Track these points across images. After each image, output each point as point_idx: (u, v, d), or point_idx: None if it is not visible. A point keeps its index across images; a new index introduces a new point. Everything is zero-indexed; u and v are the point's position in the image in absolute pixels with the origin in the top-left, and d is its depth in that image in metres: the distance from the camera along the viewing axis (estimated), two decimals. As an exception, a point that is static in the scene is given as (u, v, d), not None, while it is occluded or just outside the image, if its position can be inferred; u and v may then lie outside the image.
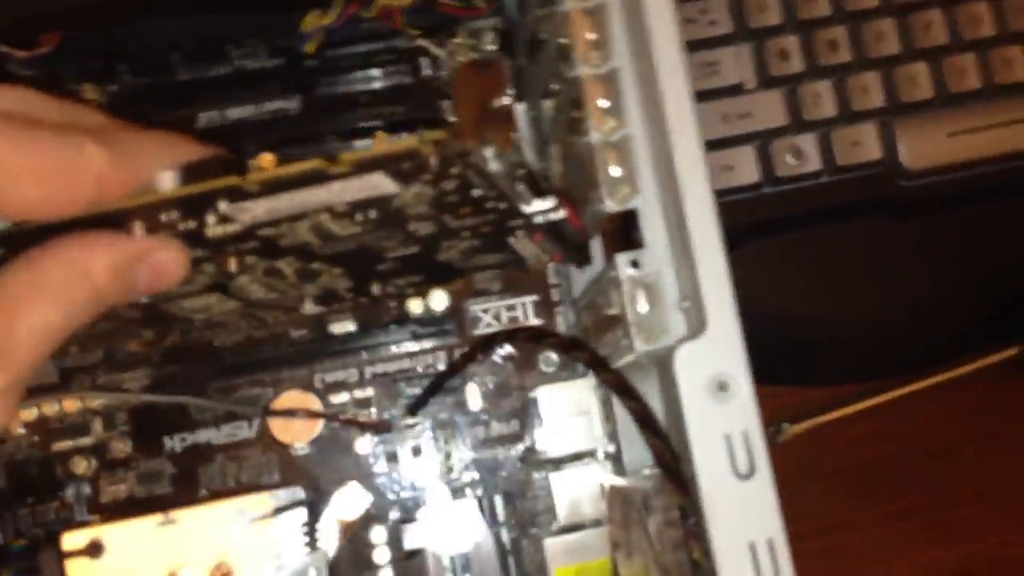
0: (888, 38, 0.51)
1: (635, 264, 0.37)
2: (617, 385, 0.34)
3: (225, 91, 0.49)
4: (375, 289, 0.41)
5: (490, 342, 0.42)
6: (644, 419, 0.32)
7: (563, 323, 0.48)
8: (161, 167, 0.31)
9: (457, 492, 0.47)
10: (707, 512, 0.30)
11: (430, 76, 0.49)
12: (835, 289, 0.51)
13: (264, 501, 0.33)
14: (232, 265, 0.33)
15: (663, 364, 0.37)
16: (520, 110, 0.49)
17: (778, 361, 0.52)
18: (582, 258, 0.42)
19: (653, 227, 0.37)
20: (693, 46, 0.50)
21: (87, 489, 0.46)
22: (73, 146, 0.29)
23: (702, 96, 0.50)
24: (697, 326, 0.32)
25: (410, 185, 0.29)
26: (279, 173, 0.28)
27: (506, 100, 0.38)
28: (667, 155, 0.33)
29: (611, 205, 0.38)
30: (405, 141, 0.29)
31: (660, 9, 0.33)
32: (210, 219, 0.30)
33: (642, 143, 0.37)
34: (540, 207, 0.36)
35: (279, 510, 0.33)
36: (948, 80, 0.51)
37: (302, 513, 0.43)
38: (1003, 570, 0.51)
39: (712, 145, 0.50)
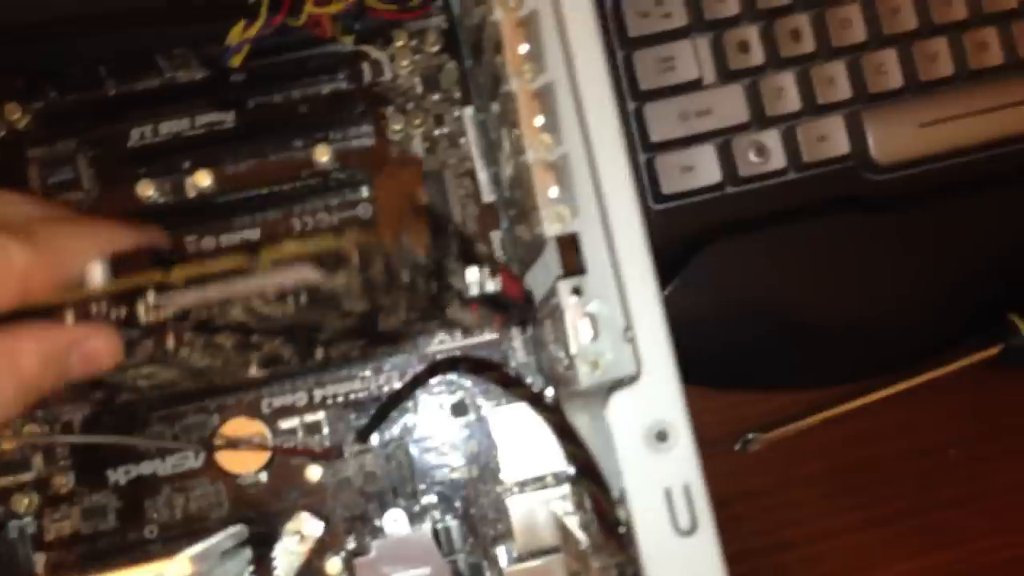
0: (853, 25, 0.48)
1: (577, 291, 0.35)
2: (558, 427, 0.32)
3: (156, 105, 0.46)
4: (319, 354, 0.40)
5: (433, 370, 0.40)
6: (584, 467, 0.30)
7: (520, 345, 0.46)
8: (87, 259, 0.32)
9: (414, 518, 0.45)
10: (648, 570, 0.28)
11: (372, 82, 0.47)
12: (808, 290, 0.49)
13: (184, 565, 0.31)
14: (170, 343, 0.33)
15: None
16: (467, 115, 0.47)
17: (752, 366, 0.50)
18: (525, 320, 0.40)
19: (596, 252, 0.35)
20: (648, 41, 0.48)
21: (31, 527, 0.45)
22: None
23: (658, 94, 0.48)
24: (632, 370, 0.30)
25: (335, 275, 0.31)
26: (202, 270, 0.31)
27: (423, 199, 0.36)
28: (595, 176, 0.31)
29: (549, 228, 0.36)
30: (324, 240, 0.32)
31: (578, 12, 0.31)
32: (140, 308, 0.32)
33: (581, 161, 0.35)
34: (472, 280, 0.35)
35: (202, 572, 0.31)
36: (919, 67, 0.49)
37: (246, 554, 0.41)
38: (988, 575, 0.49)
39: (670, 145, 0.48)
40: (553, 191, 0.36)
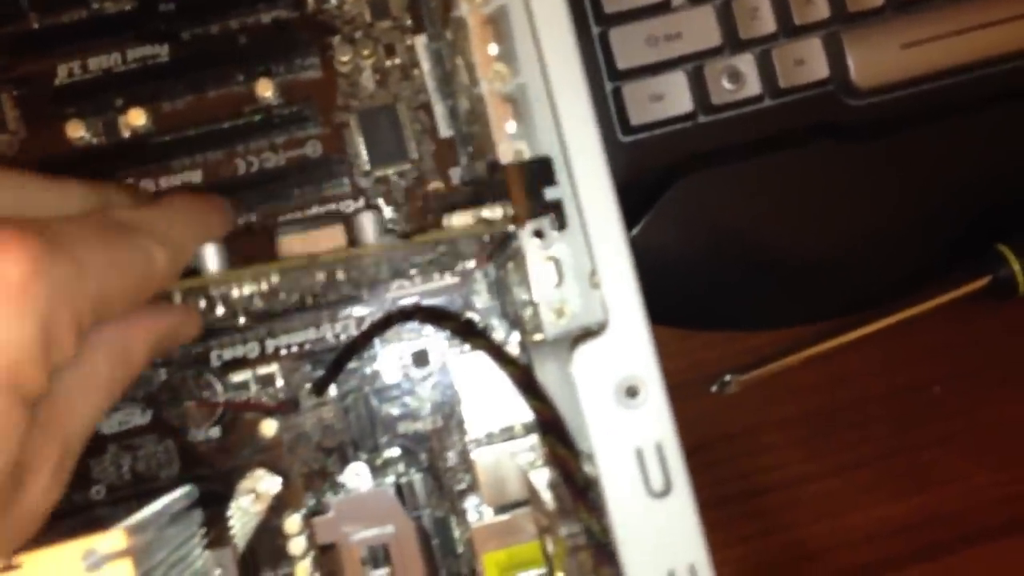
0: (833, -61, 0.45)
1: (539, 234, 0.32)
2: (520, 381, 0.30)
3: (83, 39, 0.43)
4: None
5: (389, 320, 0.37)
6: (548, 424, 0.28)
7: (484, 289, 0.43)
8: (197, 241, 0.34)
9: (377, 472, 0.43)
10: (618, 535, 0.26)
11: (316, 8, 0.44)
12: (785, 222, 0.46)
13: (119, 538, 0.28)
14: None
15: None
16: (420, 43, 0.44)
17: (725, 304, 0.48)
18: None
19: (561, 188, 0.32)
20: (614, -41, 0.44)
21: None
22: (141, 251, 0.31)
23: (624, 17, 0.45)
24: (601, 317, 0.28)
25: None
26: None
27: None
28: (553, 108, 0.28)
29: (506, 156, 0.33)
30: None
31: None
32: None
33: (539, 92, 0.32)
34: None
35: (140, 544, 0.29)
36: (901, -16, 0.46)
37: (196, 516, 0.39)
38: (970, 516, 0.48)
39: (638, 73, 0.45)
40: (510, 126, 0.33)
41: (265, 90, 0.43)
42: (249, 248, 0.33)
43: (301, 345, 0.43)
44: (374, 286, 0.43)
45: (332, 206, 0.44)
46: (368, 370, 0.43)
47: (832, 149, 0.47)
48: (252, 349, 0.43)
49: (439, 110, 0.44)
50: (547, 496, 0.32)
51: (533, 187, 0.32)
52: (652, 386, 0.26)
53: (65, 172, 0.42)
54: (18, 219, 0.28)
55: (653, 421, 0.26)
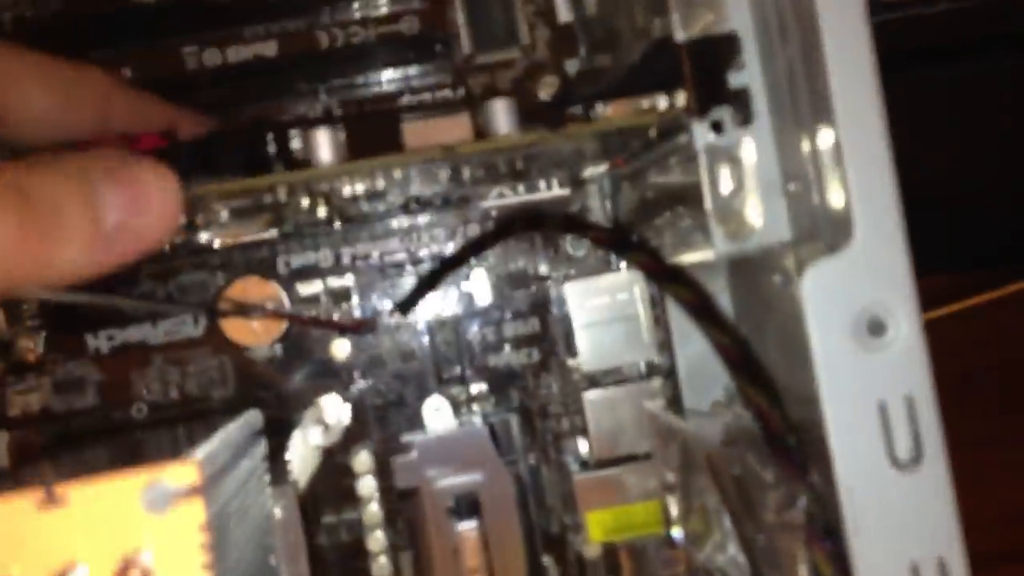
0: None
1: (717, 128, 0.26)
2: (696, 307, 0.23)
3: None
4: None
5: (505, 230, 0.31)
6: (738, 361, 0.22)
7: (598, 204, 0.37)
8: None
9: (462, 409, 0.37)
10: (847, 515, 0.19)
11: None
12: (953, 147, 0.40)
13: (189, 472, 0.22)
14: None
15: (760, 279, 0.26)
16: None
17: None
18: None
19: (748, 74, 0.26)
20: None
21: (-10, 399, 0.36)
22: (79, 66, 0.29)
23: None
24: (835, 233, 0.21)
25: None
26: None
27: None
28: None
29: (682, 33, 0.26)
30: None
31: None
32: None
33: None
34: None
35: (212, 479, 0.23)
36: None
37: (260, 448, 0.33)
38: None
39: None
40: (690, -12, 0.26)
41: (360, -50, 0.36)
42: (358, 134, 0.27)
43: (381, 256, 0.37)
44: (463, 195, 0.37)
45: (425, 96, 0.37)
46: (457, 291, 0.37)
47: (1011, 64, 0.40)
48: (325, 257, 0.37)
49: (560, -12, 0.37)
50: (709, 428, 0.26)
51: (716, 70, 0.26)
52: (905, 320, 0.20)
53: (121, 36, 0.36)
54: None
55: (903, 367, 0.20)
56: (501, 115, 0.28)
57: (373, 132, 0.27)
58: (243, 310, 0.35)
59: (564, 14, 0.37)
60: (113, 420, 0.36)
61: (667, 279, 0.25)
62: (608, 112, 0.27)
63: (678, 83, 0.26)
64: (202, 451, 0.24)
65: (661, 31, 0.27)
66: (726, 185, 0.26)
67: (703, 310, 0.24)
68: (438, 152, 0.26)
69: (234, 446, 0.29)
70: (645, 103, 0.27)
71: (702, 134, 0.26)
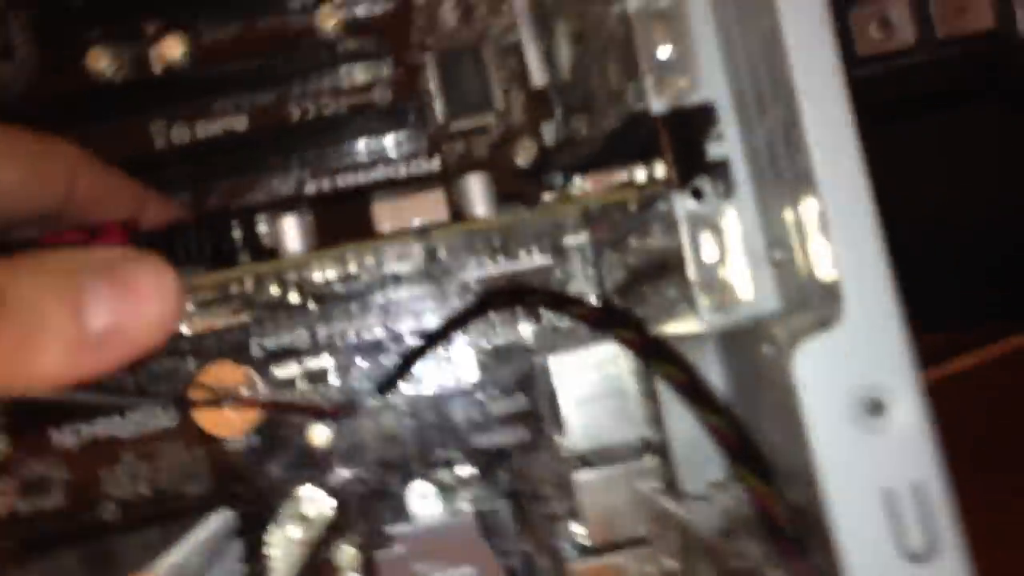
0: None
1: (698, 195, 0.25)
2: (688, 389, 0.22)
3: None
4: None
5: (485, 306, 0.30)
6: (732, 448, 0.20)
7: (579, 270, 0.35)
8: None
9: (450, 494, 0.35)
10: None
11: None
12: (940, 200, 0.39)
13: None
14: None
15: (751, 350, 0.25)
16: (513, -27, 0.36)
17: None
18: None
19: (727, 143, 0.24)
20: None
21: (-47, 504, 0.35)
22: (46, 139, 0.28)
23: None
24: (826, 305, 0.20)
25: None
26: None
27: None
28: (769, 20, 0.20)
29: (658, 104, 0.25)
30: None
31: None
32: None
33: (704, 8, 0.24)
34: None
35: None
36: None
37: (235, 548, 0.31)
38: None
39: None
40: (664, 50, 0.25)
41: (327, 21, 0.35)
42: (326, 218, 0.25)
43: (358, 333, 0.35)
44: (442, 269, 0.35)
45: (400, 167, 0.36)
46: (439, 369, 0.36)
47: (997, 113, 0.39)
48: (300, 336, 0.35)
49: (532, 53, 0.36)
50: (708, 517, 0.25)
51: (694, 141, 0.25)
52: (905, 400, 0.18)
53: (87, 114, 0.35)
54: None
55: (907, 451, 0.18)
56: (476, 190, 0.26)
57: (342, 215, 0.26)
58: (215, 399, 0.34)
59: (538, 78, 0.36)
60: (82, 522, 0.35)
61: (654, 357, 0.24)
62: (587, 185, 0.26)
63: (656, 154, 0.25)
64: (166, 564, 0.22)
65: (635, 96, 0.26)
66: (709, 254, 0.25)
67: (694, 391, 0.22)
68: (412, 237, 0.24)
69: (205, 553, 0.27)
70: (624, 174, 0.26)
71: (682, 203, 0.25)
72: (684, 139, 0.25)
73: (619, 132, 0.27)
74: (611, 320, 0.26)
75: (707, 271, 0.24)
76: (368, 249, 0.26)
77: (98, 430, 0.35)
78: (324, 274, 0.29)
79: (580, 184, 0.27)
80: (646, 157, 0.25)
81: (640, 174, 0.26)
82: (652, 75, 0.25)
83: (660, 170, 0.25)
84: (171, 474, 0.35)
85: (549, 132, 0.36)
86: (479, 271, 0.35)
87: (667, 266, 0.27)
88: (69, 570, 0.31)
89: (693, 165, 0.24)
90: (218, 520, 0.30)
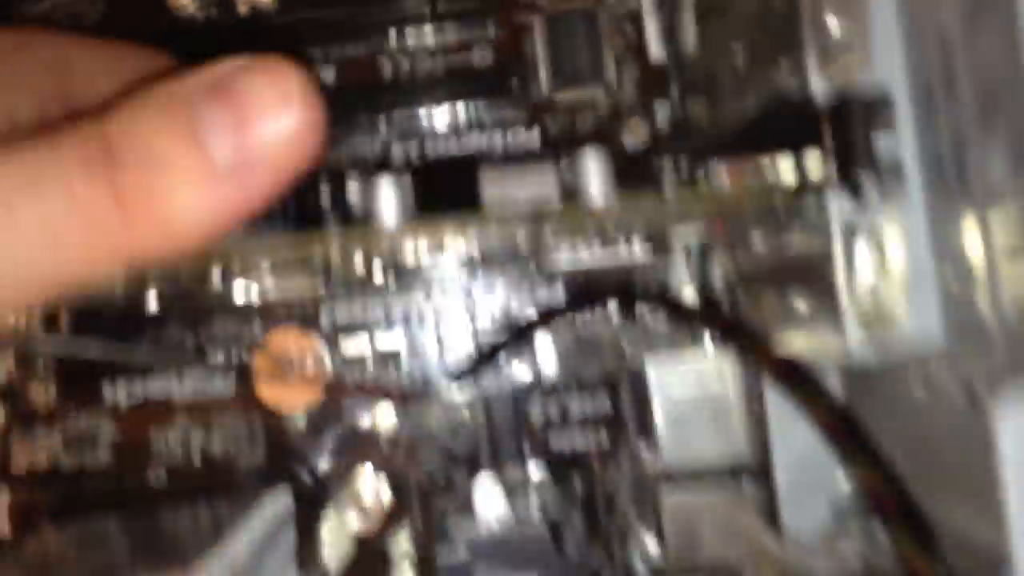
0: None
1: (857, 193, 0.21)
2: (836, 433, 0.18)
3: None
4: None
5: (589, 301, 0.26)
6: (883, 505, 0.17)
7: (683, 272, 0.32)
8: None
9: (517, 494, 0.32)
10: None
11: None
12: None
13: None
14: None
15: (895, 389, 0.21)
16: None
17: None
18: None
19: (900, 137, 0.21)
20: None
21: (-8, 451, 0.32)
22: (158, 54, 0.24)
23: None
24: (1018, 352, 0.16)
25: None
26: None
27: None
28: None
29: (820, 85, 0.22)
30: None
31: None
32: None
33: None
34: None
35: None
36: None
37: (288, 537, 0.28)
38: None
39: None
40: (832, 24, 0.21)
41: (431, -31, 0.32)
42: (426, 186, 0.22)
43: (438, 315, 0.33)
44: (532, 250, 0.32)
45: (495, 139, 0.33)
46: (521, 361, 0.33)
47: None
48: (375, 312, 0.33)
49: (653, 23, 0.33)
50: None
51: (860, 133, 0.21)
52: None
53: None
54: None
55: None
56: (592, 168, 0.23)
57: (443, 184, 0.23)
58: (278, 371, 0.31)
59: (657, 52, 0.33)
60: (127, 485, 0.32)
61: (796, 386, 0.20)
62: (723, 175, 0.23)
63: (808, 143, 0.22)
64: (216, 558, 0.20)
65: (789, 75, 0.22)
66: (865, 269, 0.21)
67: (845, 435, 0.19)
68: (525, 218, 0.21)
69: (257, 543, 0.25)
70: (767, 164, 0.23)
71: (839, 204, 0.21)
72: (848, 129, 0.21)
73: (761, 117, 0.24)
74: (741, 335, 0.22)
75: (860, 289, 0.21)
76: (469, 226, 0.23)
77: (152, 389, 0.33)
78: (417, 243, 0.26)
79: (714, 173, 0.24)
80: (795, 146, 0.22)
81: (787, 166, 0.23)
82: (816, 51, 0.21)
83: (814, 162, 0.21)
84: (224, 444, 0.33)
85: (663, 112, 0.33)
86: (573, 257, 0.32)
87: (803, 274, 0.23)
88: (111, 540, 0.28)
89: (857, 160, 0.21)
90: (273, 504, 0.27)
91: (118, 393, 0.33)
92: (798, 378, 0.20)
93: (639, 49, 0.33)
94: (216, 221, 0.16)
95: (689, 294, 0.32)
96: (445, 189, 0.22)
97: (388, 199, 0.22)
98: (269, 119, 0.16)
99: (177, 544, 0.21)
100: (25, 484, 0.32)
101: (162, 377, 0.33)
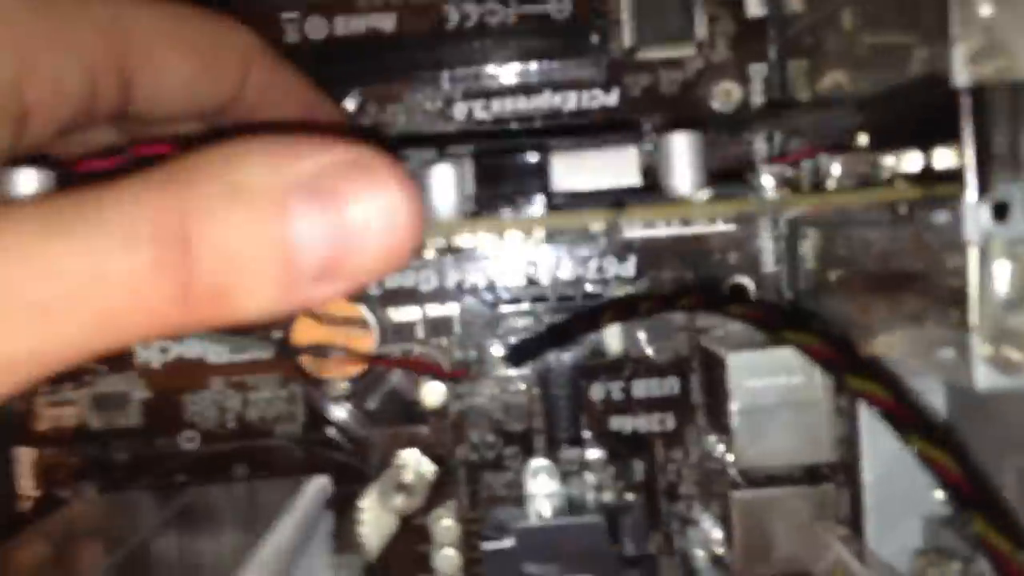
0: None
1: (1001, 213, 0.18)
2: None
3: None
4: None
5: (665, 305, 0.24)
6: (968, 497, 0.15)
7: (770, 247, 0.29)
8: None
9: (572, 479, 0.30)
10: None
11: None
12: None
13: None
14: None
15: (1011, 416, 0.19)
16: None
17: None
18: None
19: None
20: None
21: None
22: (223, 23, 0.23)
23: None
24: None
25: None
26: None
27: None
28: None
29: (964, 74, 0.19)
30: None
31: None
32: None
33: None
34: None
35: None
36: None
37: (326, 523, 0.26)
38: None
39: None
40: (984, 7, 0.18)
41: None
42: (487, 170, 0.20)
43: (493, 287, 0.30)
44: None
45: (569, 99, 0.30)
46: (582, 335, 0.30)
47: None
48: (427, 280, 0.30)
49: (751, -25, 0.30)
50: None
51: (1009, 132, 0.18)
52: None
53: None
54: None
55: None
56: (681, 155, 0.21)
57: (507, 169, 0.20)
58: (322, 349, 0.29)
59: (755, 5, 0.30)
60: (157, 448, 0.31)
61: (849, 371, 0.18)
62: (835, 168, 0.20)
63: (943, 139, 0.19)
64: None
65: (925, 56, 0.19)
66: (1002, 292, 0.18)
67: (907, 415, 0.16)
68: (601, 221, 0.19)
69: (296, 538, 0.23)
70: (890, 160, 0.20)
71: (977, 217, 0.18)
72: (996, 127, 0.18)
73: (884, 103, 0.21)
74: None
75: (995, 313, 0.18)
76: (535, 224, 0.21)
77: (187, 349, 0.31)
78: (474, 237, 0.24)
79: (823, 165, 0.21)
80: (926, 140, 0.19)
81: (912, 163, 0.20)
82: (962, 35, 0.18)
83: (948, 161, 0.18)
84: (261, 409, 0.31)
85: (758, 75, 0.30)
86: (646, 229, 0.30)
87: (922, 278, 0.21)
88: (144, 512, 0.27)
89: (1002, 165, 0.18)
90: (312, 493, 0.25)
91: (151, 354, 0.31)
92: (847, 360, 0.18)
93: (736, 3, 0.30)
94: (277, 315, 0.15)
95: (769, 265, 0.29)
96: (508, 175, 0.20)
97: (445, 189, 0.19)
98: (371, 237, 0.15)
99: (213, 520, 0.19)
100: (50, 443, 0.31)
101: (198, 338, 0.31)
